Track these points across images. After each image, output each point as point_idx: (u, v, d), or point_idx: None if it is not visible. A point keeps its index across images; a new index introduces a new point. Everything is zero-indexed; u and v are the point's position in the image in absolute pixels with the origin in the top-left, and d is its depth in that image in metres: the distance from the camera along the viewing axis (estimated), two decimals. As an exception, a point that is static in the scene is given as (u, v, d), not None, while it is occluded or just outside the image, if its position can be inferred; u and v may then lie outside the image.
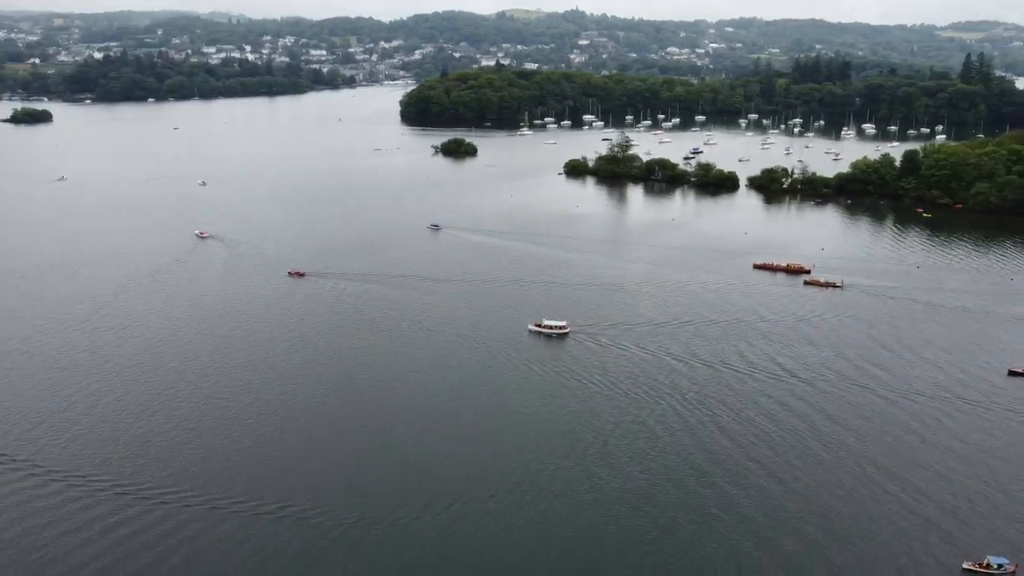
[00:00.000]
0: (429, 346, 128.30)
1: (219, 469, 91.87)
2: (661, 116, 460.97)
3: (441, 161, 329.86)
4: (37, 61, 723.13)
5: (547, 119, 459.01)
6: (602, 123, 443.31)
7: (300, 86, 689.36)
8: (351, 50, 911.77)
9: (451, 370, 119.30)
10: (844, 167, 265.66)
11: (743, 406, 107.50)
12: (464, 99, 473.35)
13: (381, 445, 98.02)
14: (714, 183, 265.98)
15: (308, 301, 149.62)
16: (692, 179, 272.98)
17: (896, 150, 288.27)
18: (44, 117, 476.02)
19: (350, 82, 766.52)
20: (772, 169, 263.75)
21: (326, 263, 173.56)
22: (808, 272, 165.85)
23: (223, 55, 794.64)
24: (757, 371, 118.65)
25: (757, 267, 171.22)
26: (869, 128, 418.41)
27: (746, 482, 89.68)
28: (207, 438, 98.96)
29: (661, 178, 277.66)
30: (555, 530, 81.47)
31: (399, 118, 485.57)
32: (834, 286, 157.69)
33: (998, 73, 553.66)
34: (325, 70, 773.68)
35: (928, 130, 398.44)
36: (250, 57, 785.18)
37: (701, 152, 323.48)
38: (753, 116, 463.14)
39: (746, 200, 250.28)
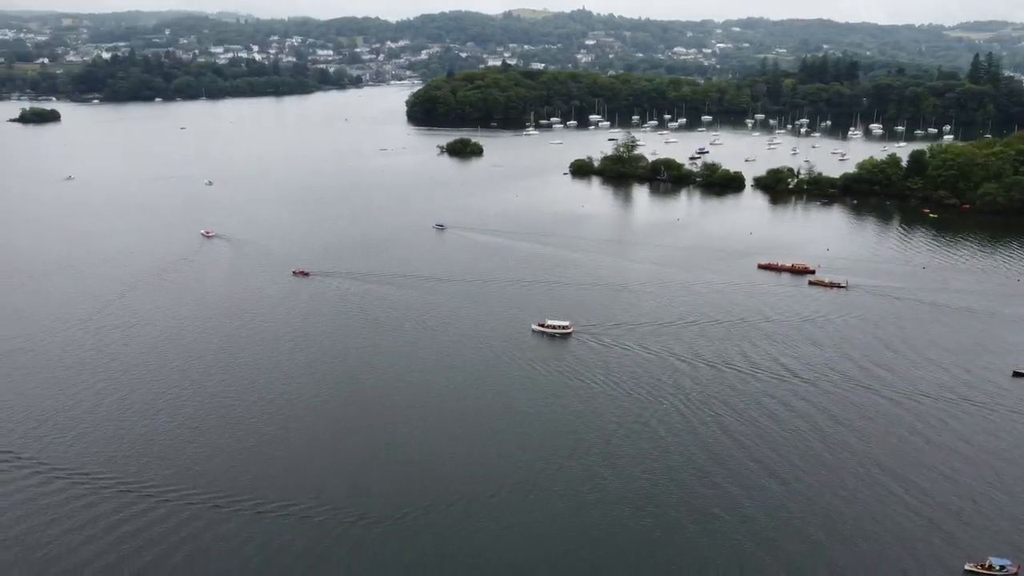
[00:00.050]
0: (433, 345, 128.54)
1: (223, 467, 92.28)
2: (667, 116, 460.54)
3: (447, 161, 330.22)
4: (46, 61, 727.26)
5: (553, 119, 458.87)
6: (608, 123, 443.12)
7: (307, 86, 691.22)
8: (358, 50, 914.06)
9: (454, 370, 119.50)
10: (850, 167, 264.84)
11: (746, 406, 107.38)
12: (470, 99, 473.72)
13: (384, 444, 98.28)
14: (720, 183, 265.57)
15: (312, 300, 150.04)
16: (698, 179, 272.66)
17: (903, 150, 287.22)
18: (52, 117, 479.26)
19: (356, 82, 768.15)
20: (778, 169, 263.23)
21: (331, 263, 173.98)
22: (813, 272, 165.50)
23: (230, 55, 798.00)
24: (760, 371, 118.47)
25: (762, 267, 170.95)
26: (876, 128, 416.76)
27: (749, 482, 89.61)
28: (211, 437, 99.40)
29: (667, 178, 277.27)
30: (557, 530, 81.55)
31: (405, 118, 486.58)
32: (838, 286, 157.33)
33: (1007, 73, 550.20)
34: (332, 70, 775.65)
35: (936, 130, 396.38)
36: (257, 57, 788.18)
37: (707, 152, 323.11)
38: (760, 116, 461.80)
39: (752, 200, 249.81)
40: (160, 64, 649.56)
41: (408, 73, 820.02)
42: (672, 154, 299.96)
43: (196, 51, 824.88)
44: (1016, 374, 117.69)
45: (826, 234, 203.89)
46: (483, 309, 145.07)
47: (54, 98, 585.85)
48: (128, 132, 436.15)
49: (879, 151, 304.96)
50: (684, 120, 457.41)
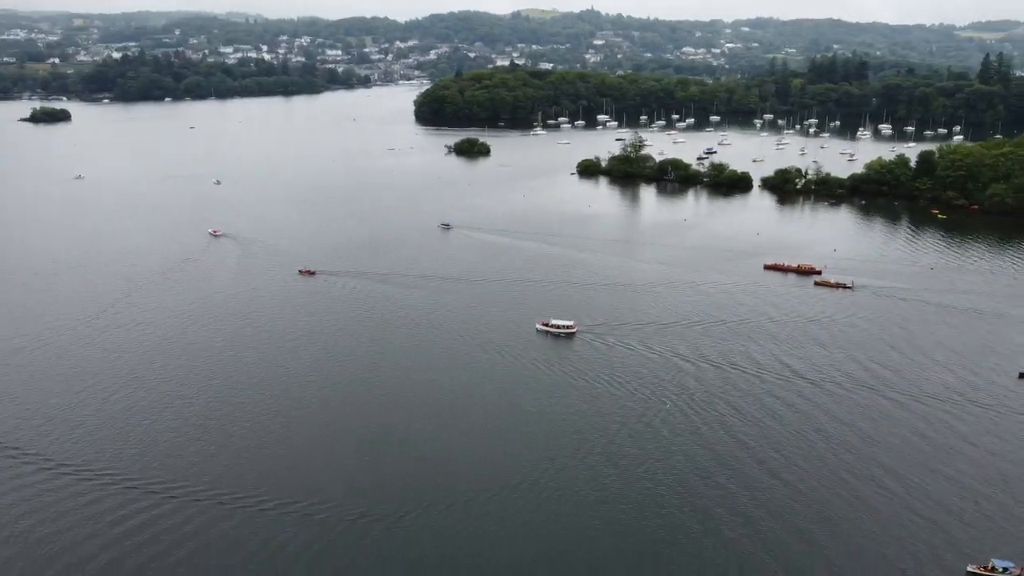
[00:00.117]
0: (437, 344, 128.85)
1: (227, 465, 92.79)
2: (675, 116, 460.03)
3: (455, 161, 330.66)
4: (57, 61, 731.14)
5: (561, 119, 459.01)
6: (616, 123, 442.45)
7: (315, 86, 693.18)
8: (366, 50, 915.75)
9: (459, 368, 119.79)
10: (859, 168, 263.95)
11: (750, 407, 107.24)
12: (478, 99, 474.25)
13: (387, 443, 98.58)
14: (727, 183, 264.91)
15: (318, 300, 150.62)
16: (705, 179, 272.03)
17: (912, 151, 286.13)
18: (63, 116, 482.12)
19: (365, 82, 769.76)
20: (786, 169, 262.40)
21: (338, 262, 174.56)
22: (819, 273, 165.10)
23: (240, 55, 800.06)
24: (765, 372, 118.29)
25: (768, 268, 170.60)
26: (885, 128, 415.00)
27: (751, 483, 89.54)
28: (216, 434, 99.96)
29: (674, 178, 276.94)
30: (559, 529, 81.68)
31: (413, 118, 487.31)
32: (844, 287, 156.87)
33: (1017, 73, 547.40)
34: (340, 70, 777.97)
35: (945, 131, 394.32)
36: (266, 57, 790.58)
37: (715, 152, 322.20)
38: (768, 116, 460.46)
39: (759, 201, 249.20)
40: (170, 64, 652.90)
41: (416, 73, 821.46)
42: (680, 154, 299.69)
43: (206, 51, 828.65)
44: (1022, 376, 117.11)
45: (833, 235, 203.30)
46: (488, 308, 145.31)
47: (65, 98, 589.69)
48: (138, 132, 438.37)
49: (888, 151, 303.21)
50: (692, 120, 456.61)
